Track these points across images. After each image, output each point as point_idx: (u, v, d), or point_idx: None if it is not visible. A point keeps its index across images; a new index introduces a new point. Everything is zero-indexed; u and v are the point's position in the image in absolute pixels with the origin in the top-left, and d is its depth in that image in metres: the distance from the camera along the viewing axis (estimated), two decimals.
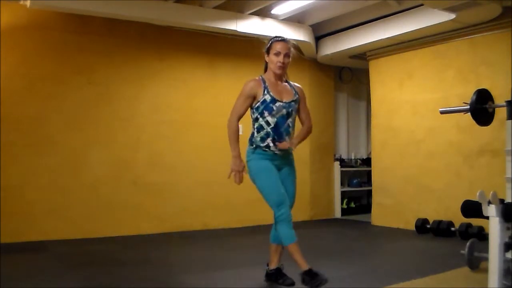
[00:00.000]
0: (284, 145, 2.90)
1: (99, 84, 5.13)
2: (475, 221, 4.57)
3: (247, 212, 5.72)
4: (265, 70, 3.07)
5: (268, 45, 3.00)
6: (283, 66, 2.97)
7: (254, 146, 2.93)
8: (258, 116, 2.93)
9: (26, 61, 4.78)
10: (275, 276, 3.09)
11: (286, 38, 3.02)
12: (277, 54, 2.94)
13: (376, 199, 6.07)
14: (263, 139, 2.91)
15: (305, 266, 2.79)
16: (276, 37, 3.02)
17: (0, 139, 4.56)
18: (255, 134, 2.94)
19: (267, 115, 2.91)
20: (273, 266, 3.10)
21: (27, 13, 4.65)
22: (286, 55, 2.96)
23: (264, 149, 2.92)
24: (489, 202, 2.64)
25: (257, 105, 2.93)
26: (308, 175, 6.51)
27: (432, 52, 5.37)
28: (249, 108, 2.97)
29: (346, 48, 5.90)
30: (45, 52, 4.87)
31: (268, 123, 2.91)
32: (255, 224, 5.68)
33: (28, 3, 4.29)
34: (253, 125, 2.97)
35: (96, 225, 4.99)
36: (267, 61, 3.02)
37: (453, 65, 5.15)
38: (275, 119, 2.92)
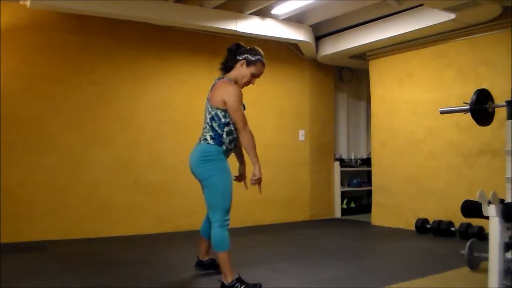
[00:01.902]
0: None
1: (99, 84, 5.13)
2: (475, 221, 4.58)
3: (247, 212, 5.70)
4: (229, 69, 3.11)
5: (254, 59, 3.03)
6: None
7: (224, 147, 2.98)
8: (230, 122, 2.97)
9: (26, 61, 4.77)
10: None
11: None
12: (255, 75, 3.06)
13: (376, 199, 6.07)
14: (231, 142, 3.01)
15: (230, 279, 2.89)
16: (263, 59, 3.07)
17: (0, 139, 4.57)
18: (224, 136, 2.97)
19: None
20: (207, 257, 3.39)
21: (27, 13, 4.66)
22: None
23: (229, 151, 3.05)
24: (489, 202, 2.65)
25: None
26: (308, 175, 6.51)
27: (432, 52, 5.37)
28: (220, 111, 2.96)
29: (346, 48, 5.90)
30: (45, 52, 4.87)
31: (236, 129, 2.99)
32: (255, 224, 5.68)
33: (28, 3, 4.29)
34: (222, 128, 2.96)
35: (96, 225, 4.99)
36: (240, 69, 3.05)
37: (453, 65, 5.15)
38: None
